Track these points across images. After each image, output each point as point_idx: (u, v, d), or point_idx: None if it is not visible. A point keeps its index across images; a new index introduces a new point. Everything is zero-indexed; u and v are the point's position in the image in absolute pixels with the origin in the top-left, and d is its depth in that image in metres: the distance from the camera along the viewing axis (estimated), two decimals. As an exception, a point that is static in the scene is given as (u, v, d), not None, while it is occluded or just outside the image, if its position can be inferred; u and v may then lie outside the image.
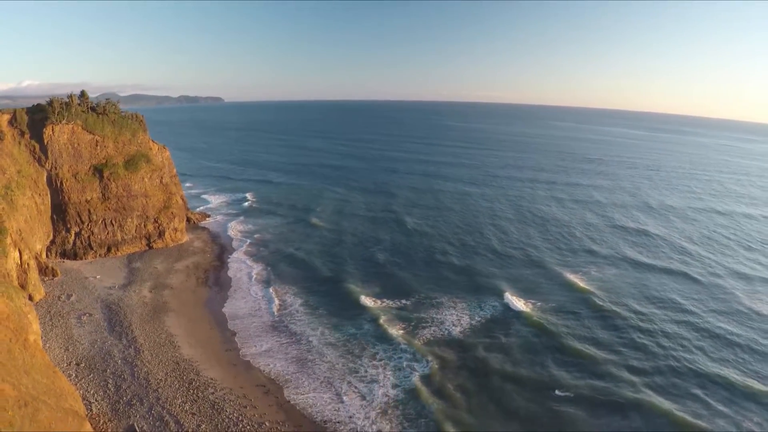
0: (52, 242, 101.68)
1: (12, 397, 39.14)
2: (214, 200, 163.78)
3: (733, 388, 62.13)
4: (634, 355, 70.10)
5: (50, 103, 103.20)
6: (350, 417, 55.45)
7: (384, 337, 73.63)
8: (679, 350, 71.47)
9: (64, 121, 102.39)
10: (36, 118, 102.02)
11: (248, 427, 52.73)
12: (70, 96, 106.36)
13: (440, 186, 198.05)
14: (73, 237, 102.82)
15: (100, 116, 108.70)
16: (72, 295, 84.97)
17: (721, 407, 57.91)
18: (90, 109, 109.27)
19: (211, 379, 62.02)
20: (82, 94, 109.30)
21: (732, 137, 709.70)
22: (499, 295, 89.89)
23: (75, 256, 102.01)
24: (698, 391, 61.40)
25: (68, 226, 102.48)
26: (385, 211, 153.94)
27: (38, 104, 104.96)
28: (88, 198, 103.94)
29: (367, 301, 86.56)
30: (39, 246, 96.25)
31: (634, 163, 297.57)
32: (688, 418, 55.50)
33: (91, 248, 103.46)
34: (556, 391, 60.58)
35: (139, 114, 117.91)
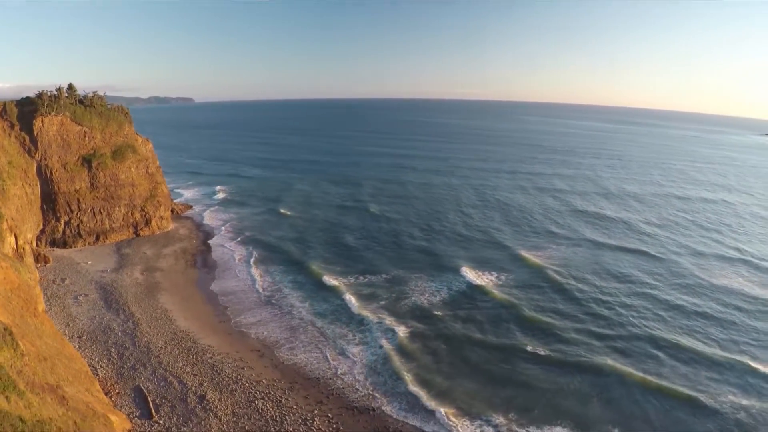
0: (42, 231, 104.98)
1: (32, 352, 43.79)
2: (191, 193, 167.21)
3: (684, 350, 68.51)
4: (593, 322, 76.66)
5: (40, 95, 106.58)
6: (338, 374, 61.21)
7: (364, 309, 79.65)
8: (635, 317, 78.20)
9: (53, 113, 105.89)
10: (25, 110, 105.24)
11: (247, 385, 57.96)
12: (59, 89, 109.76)
13: (408, 177, 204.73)
14: (62, 226, 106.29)
15: (88, 108, 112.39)
16: (66, 279, 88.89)
17: (673, 366, 64.29)
18: (78, 102, 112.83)
19: (209, 346, 67.11)
20: (70, 87, 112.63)
21: (699, 129, 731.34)
22: (461, 271, 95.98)
23: (65, 245, 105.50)
24: (654, 352, 67.87)
25: (58, 215, 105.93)
26: (355, 200, 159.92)
27: (27, 97, 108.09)
28: (77, 187, 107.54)
29: (343, 279, 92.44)
30: (30, 235, 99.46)
31: (598, 153, 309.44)
32: (646, 376, 61.50)
33: (80, 236, 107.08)
34: (520, 354, 66.64)
35: (124, 107, 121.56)
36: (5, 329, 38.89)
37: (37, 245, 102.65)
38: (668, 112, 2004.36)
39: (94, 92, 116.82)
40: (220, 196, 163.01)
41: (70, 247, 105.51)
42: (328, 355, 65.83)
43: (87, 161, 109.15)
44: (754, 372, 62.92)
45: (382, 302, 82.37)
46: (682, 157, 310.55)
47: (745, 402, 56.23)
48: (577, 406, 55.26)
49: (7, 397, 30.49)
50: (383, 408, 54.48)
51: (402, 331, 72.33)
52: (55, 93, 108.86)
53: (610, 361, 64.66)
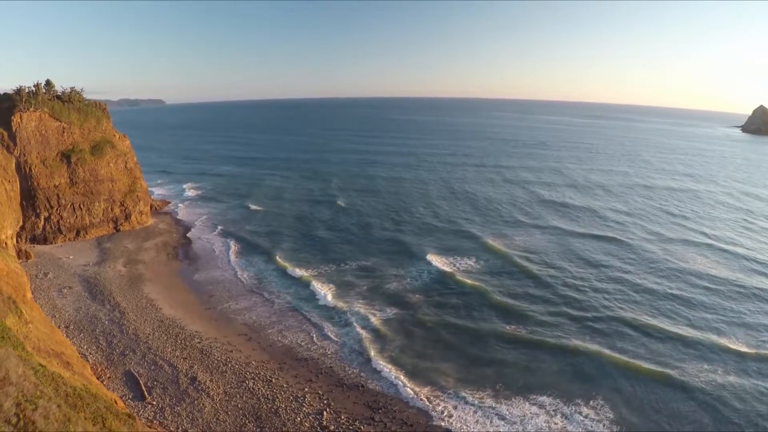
0: (22, 228, 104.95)
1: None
2: (165, 191, 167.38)
3: (649, 328, 71.90)
4: (564, 304, 79.81)
5: (18, 91, 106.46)
6: (327, 354, 63.59)
7: (345, 296, 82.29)
8: (605, 299, 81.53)
9: (31, 109, 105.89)
10: (3, 106, 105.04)
11: (237, 366, 59.91)
12: (37, 84, 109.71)
13: (378, 171, 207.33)
14: (42, 222, 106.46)
15: (66, 104, 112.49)
16: (49, 273, 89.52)
17: (643, 344, 67.63)
18: (56, 98, 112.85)
19: (196, 331, 68.87)
20: (48, 83, 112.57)
21: (668, 122, 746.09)
22: (430, 260, 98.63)
23: (45, 241, 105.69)
24: (624, 331, 71.37)
25: (38, 211, 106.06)
26: (325, 194, 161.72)
27: (5, 93, 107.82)
28: (57, 183, 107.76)
29: (322, 267, 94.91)
30: (10, 231, 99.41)
31: (566, 146, 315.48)
32: (614, 353, 64.90)
33: (61, 232, 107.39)
34: (494, 335, 69.49)
35: (102, 102, 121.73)
36: (9, 298, 40.37)
37: (17, 242, 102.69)
38: (638, 106, 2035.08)
39: (71, 88, 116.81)
40: (194, 192, 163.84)
41: (51, 243, 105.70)
42: (314, 337, 68.15)
43: (66, 157, 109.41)
44: (721, 348, 66.24)
45: (363, 289, 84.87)
46: (649, 148, 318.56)
47: (712, 376, 59.34)
48: (550, 382, 58.16)
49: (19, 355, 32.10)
50: (371, 385, 56.96)
51: (381, 315, 75.00)
52: (33, 89, 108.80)
53: (581, 342, 67.49)
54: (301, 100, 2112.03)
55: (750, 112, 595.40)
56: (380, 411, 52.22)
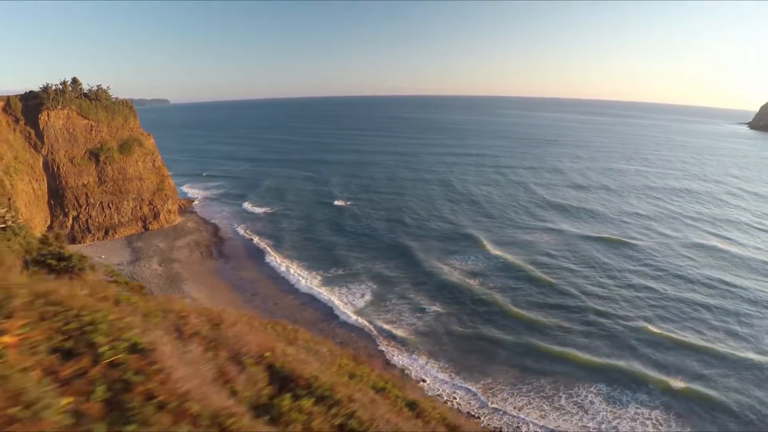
0: (50, 227, 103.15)
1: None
2: (187, 189, 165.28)
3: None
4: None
5: (45, 89, 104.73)
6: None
7: (382, 295, 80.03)
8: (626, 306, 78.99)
9: (59, 107, 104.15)
10: (30, 104, 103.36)
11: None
12: (64, 82, 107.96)
13: (377, 168, 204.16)
14: (71, 221, 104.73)
15: (93, 102, 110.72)
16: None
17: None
18: (83, 95, 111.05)
19: (246, 329, 66.66)
20: (74, 80, 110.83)
21: (674, 119, 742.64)
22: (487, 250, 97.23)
23: (73, 240, 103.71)
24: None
25: (66, 210, 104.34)
26: (326, 194, 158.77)
27: (31, 91, 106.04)
28: (85, 182, 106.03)
29: (366, 261, 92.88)
30: (38, 231, 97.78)
31: (577, 144, 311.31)
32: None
33: (89, 231, 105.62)
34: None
35: (128, 101, 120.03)
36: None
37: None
38: (642, 104, 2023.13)
39: (98, 86, 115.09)
40: (215, 192, 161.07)
41: (79, 242, 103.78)
42: (376, 341, 66.24)
43: (94, 155, 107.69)
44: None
45: (408, 285, 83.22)
46: (659, 145, 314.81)
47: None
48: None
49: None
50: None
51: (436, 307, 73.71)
52: (60, 86, 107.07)
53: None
54: (312, 99, 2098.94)
55: (757, 109, 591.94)
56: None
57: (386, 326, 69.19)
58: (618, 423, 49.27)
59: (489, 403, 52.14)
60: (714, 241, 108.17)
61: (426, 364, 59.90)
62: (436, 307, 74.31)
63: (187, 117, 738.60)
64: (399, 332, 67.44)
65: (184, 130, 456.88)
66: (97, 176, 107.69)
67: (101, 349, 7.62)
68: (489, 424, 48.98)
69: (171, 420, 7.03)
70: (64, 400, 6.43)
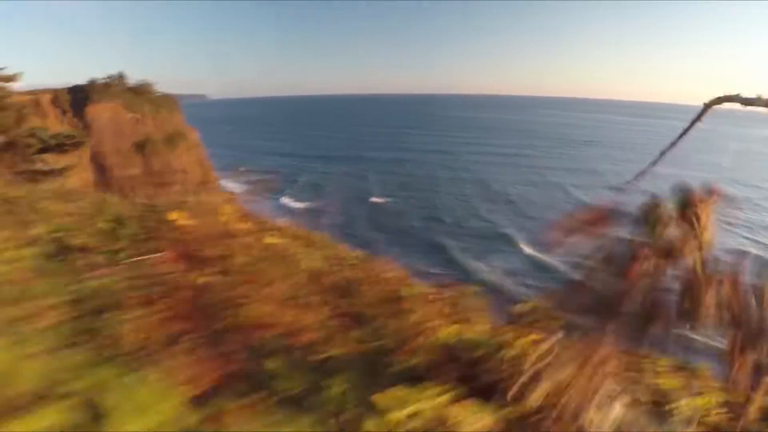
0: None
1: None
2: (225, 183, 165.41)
3: None
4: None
5: (92, 82, 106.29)
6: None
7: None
8: None
9: (105, 100, 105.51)
10: (77, 97, 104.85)
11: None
12: (110, 76, 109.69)
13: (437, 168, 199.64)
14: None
15: (138, 96, 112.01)
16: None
17: None
18: (128, 89, 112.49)
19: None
20: (120, 75, 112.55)
21: (715, 122, 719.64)
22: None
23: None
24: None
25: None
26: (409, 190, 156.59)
27: (77, 85, 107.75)
28: (131, 174, 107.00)
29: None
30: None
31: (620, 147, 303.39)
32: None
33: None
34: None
35: (172, 95, 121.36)
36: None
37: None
38: (685, 106, 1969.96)
39: (143, 80, 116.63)
40: (257, 186, 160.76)
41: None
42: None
43: (140, 148, 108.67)
44: None
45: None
46: (690, 150, 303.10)
47: None
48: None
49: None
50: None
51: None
52: (107, 80, 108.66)
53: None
54: (355, 96, 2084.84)
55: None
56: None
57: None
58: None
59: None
60: (750, 248, 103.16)
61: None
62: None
63: (225, 112, 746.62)
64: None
65: (222, 126, 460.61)
66: (143, 169, 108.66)
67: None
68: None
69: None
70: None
